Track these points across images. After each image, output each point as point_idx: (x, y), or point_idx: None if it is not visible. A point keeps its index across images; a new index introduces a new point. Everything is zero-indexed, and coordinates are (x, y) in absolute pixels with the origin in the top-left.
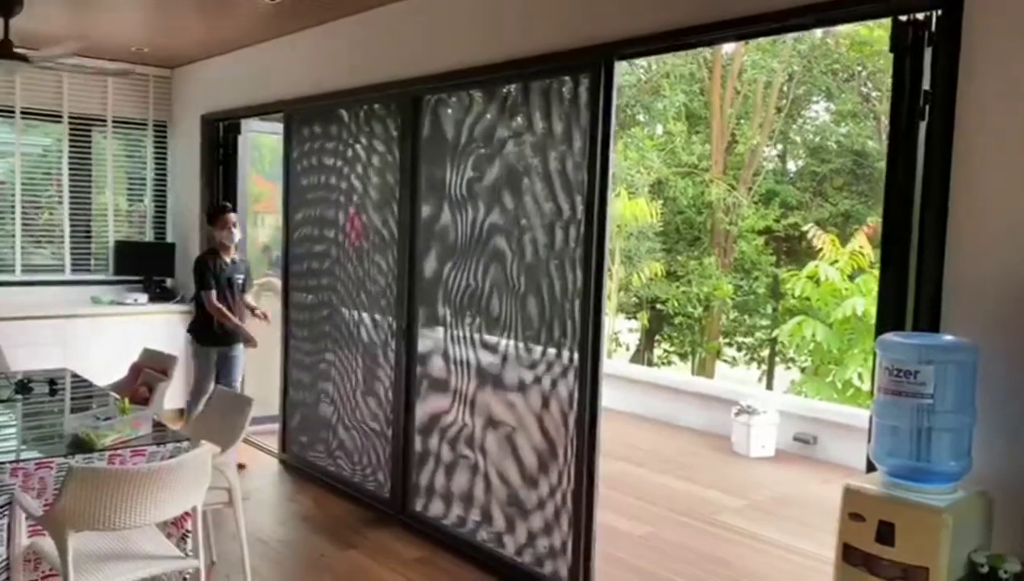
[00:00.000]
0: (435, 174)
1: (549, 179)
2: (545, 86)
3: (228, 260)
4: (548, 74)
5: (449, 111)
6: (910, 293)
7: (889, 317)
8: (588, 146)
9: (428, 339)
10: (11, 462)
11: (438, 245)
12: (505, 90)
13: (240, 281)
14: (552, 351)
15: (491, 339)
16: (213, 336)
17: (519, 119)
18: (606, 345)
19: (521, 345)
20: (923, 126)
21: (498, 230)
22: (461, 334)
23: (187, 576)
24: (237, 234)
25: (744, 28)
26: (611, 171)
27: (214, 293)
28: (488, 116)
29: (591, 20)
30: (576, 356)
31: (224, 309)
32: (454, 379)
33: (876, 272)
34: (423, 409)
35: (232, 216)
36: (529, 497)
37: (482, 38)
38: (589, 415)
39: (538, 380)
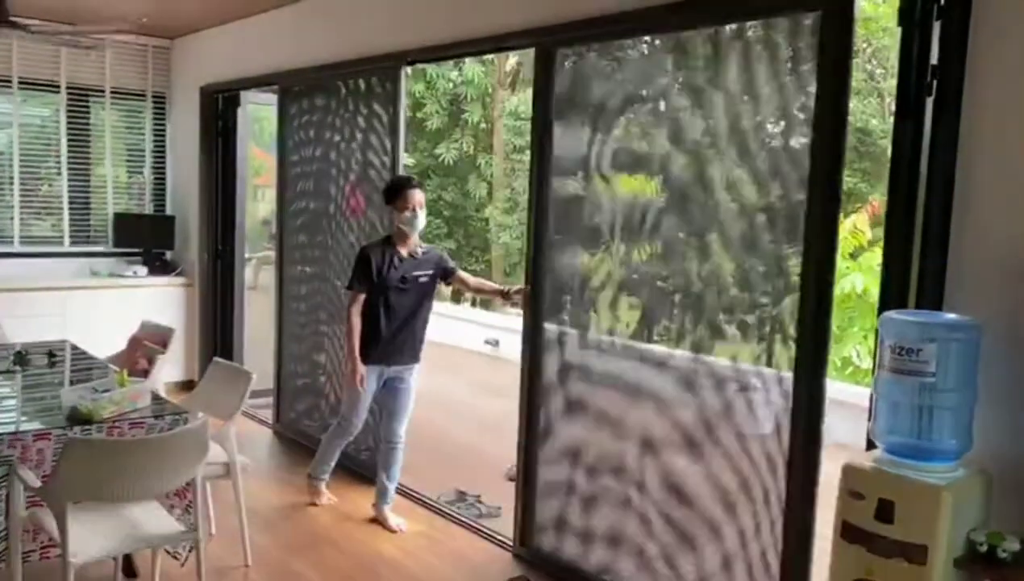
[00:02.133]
0: (570, 142)
1: (749, 147)
2: (742, 29)
3: (405, 253)
4: (751, 14)
5: (593, 66)
6: (913, 270)
7: (892, 294)
8: (818, 99)
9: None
10: (10, 434)
11: (572, 226)
12: (683, 38)
13: (426, 279)
14: (750, 366)
15: (653, 348)
16: (376, 350)
17: (699, 72)
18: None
19: (700, 356)
20: (930, 102)
21: (665, 210)
22: (607, 340)
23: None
24: (423, 218)
25: None
26: (847, 135)
27: (362, 296)
28: (656, 70)
29: None
30: (788, 373)
31: (355, 322)
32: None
33: (875, 251)
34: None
35: (417, 193)
36: (706, 557)
37: None
38: (804, 453)
39: (725, 400)
